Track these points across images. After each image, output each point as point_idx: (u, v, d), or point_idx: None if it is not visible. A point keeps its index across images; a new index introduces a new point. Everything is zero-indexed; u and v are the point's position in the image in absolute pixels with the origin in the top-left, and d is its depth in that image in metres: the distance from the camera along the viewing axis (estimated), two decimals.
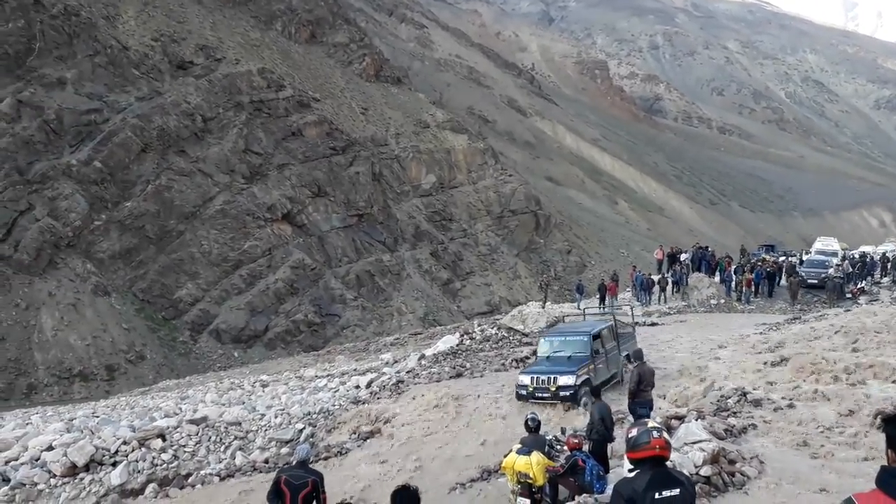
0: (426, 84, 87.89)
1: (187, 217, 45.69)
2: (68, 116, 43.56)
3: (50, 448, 14.97)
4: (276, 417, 16.39)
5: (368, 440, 13.67)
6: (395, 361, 23.16)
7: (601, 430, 10.05)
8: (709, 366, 15.70)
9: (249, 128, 51.65)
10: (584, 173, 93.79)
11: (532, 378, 14.67)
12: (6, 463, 14.83)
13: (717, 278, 30.65)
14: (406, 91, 74.06)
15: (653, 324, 24.33)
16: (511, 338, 22.43)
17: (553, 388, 14.30)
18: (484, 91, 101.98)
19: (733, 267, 30.13)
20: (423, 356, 21.05)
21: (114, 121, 45.16)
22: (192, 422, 15.71)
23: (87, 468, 14.40)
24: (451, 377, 17.17)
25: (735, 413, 11.11)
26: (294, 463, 8.30)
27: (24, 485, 13.47)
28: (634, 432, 4.31)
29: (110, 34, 49.59)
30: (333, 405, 17.27)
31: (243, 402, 19.09)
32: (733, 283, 29.24)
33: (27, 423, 20.37)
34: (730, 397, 12.62)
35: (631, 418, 12.26)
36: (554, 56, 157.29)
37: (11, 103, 41.49)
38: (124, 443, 14.98)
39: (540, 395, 14.45)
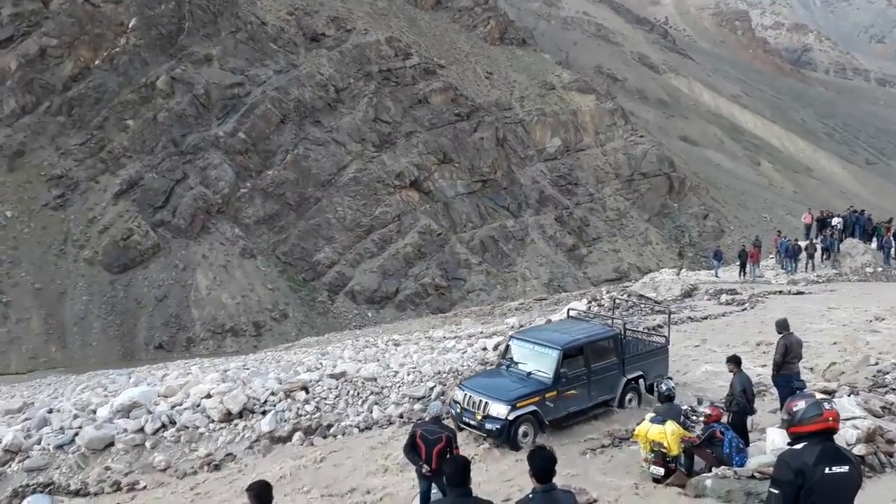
0: (552, 44, 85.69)
1: (323, 184, 47.91)
2: (215, 91, 46.76)
3: (208, 396, 16.34)
4: (408, 375, 17.01)
5: None
6: (521, 326, 23.26)
7: (742, 402, 9.58)
8: (864, 339, 14.42)
9: (378, 97, 52.96)
10: (723, 132, 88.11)
11: (465, 396, 11.41)
12: (172, 407, 16.41)
13: (873, 244, 27.95)
14: (531, 52, 72.63)
15: (799, 293, 22.72)
16: (642, 305, 21.78)
17: (479, 417, 10.94)
18: (613, 48, 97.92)
19: (893, 232, 27.33)
20: (549, 321, 20.96)
21: (255, 94, 47.95)
22: (332, 376, 16.63)
23: (240, 415, 15.61)
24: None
25: (894, 390, 10.21)
26: (428, 419, 8.62)
27: (188, 427, 14.82)
28: (802, 405, 4.09)
29: (250, 11, 52.38)
30: (462, 365, 17.61)
31: (378, 360, 19.94)
32: (892, 251, 26.56)
33: (188, 373, 22.37)
34: (888, 373, 11.58)
35: (774, 391, 11.59)
36: (689, 8, 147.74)
37: (166, 80, 45.14)
38: (272, 393, 16.13)
39: (467, 420, 11.26)
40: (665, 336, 14.22)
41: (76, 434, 14.09)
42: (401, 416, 13.65)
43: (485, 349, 19.10)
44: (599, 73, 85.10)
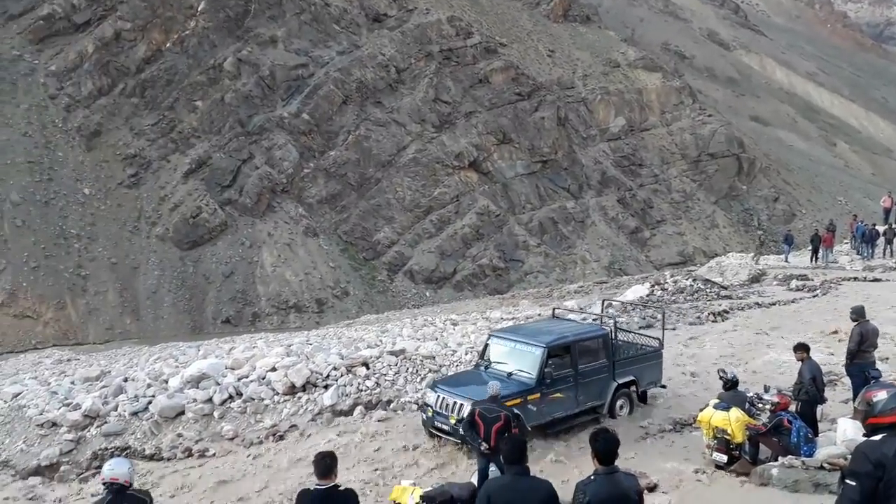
0: (617, 21, 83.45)
1: (383, 165, 48.35)
2: (280, 72, 47.63)
3: (273, 369, 16.85)
4: (466, 354, 17.12)
5: None
6: (580, 308, 23.02)
7: (811, 391, 9.27)
8: None
9: (439, 77, 52.87)
10: (797, 112, 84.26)
11: (438, 398, 10.70)
12: (239, 379, 16.99)
13: None
14: (595, 30, 70.93)
15: (875, 279, 21.69)
16: (708, 290, 21.22)
17: (453, 421, 10.18)
18: (681, 25, 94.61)
19: None
20: (609, 304, 20.68)
21: (318, 75, 48.62)
22: (391, 353, 16.91)
23: (303, 388, 16.05)
24: (640, 328, 16.72)
25: None
26: (487, 398, 8.68)
27: (254, 399, 15.33)
28: (882, 395, 3.94)
29: None
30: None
31: (436, 338, 20.11)
32: None
33: (254, 347, 23.09)
34: None
35: (846, 381, 11.15)
36: None
37: (233, 62, 46.25)
38: (334, 368, 16.51)
39: (439, 424, 10.58)
40: (658, 339, 12.97)
41: (149, 402, 14.79)
42: None
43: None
44: (666, 51, 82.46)
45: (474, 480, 8.57)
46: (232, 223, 42.29)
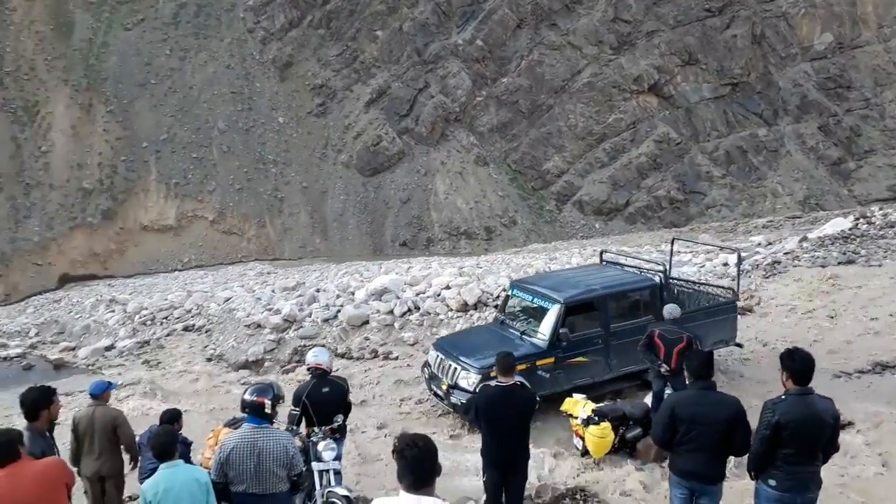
0: None
1: (556, 91, 47.13)
2: None
3: (447, 287, 17.64)
4: None
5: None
6: (769, 244, 21.33)
7: None
8: None
9: None
10: None
11: (437, 358, 9.63)
12: (417, 295, 18.00)
13: None
14: None
15: None
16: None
17: (445, 386, 9.14)
18: None
19: None
20: (805, 238, 18.97)
21: None
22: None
23: (475, 306, 16.69)
24: (839, 263, 15.21)
25: None
26: (666, 320, 8.46)
27: (430, 313, 16.21)
28: None
29: None
30: (699, 278, 16.84)
31: None
32: None
33: (429, 267, 24.24)
34: None
35: None
36: None
37: None
38: (503, 289, 16.92)
39: (434, 388, 9.58)
40: (732, 290, 10.94)
41: (338, 311, 16.25)
42: None
43: (726, 264, 17.97)
44: None
45: (648, 401, 8.51)
46: (409, 151, 43.88)
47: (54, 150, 36.59)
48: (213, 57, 43.92)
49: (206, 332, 17.47)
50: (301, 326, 16.02)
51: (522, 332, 9.50)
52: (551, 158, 45.70)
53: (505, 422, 5.86)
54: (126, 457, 7.25)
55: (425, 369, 10.08)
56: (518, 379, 6.10)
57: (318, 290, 19.69)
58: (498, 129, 46.24)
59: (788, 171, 47.06)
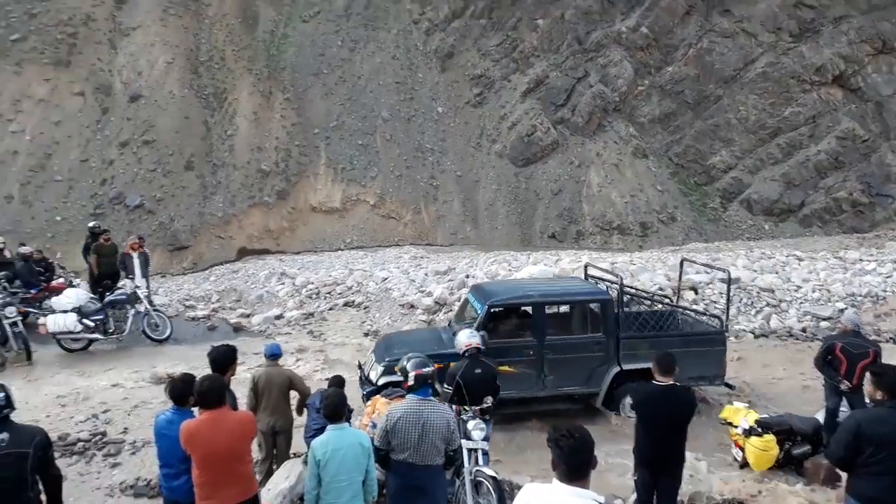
0: None
1: (726, 81, 44.27)
2: None
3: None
4: (813, 292, 15.48)
5: None
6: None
7: None
8: None
9: None
10: None
11: (371, 350, 9.99)
12: None
13: None
14: None
15: None
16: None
17: (361, 376, 9.51)
18: None
19: None
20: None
21: None
22: (723, 281, 16.07)
23: (626, 305, 16.24)
24: None
25: None
26: (848, 329, 7.76)
27: None
28: None
29: None
30: (884, 290, 15.26)
31: (776, 272, 18.47)
32: None
33: (578, 261, 23.89)
34: None
35: None
36: None
37: None
38: (660, 289, 16.33)
39: (360, 377, 9.71)
40: (719, 318, 9.47)
41: None
42: (803, 331, 12.61)
43: None
44: None
45: (820, 417, 7.87)
46: (563, 142, 43.31)
47: (238, 133, 40.17)
48: (380, 48, 45.92)
49: (365, 308, 18.46)
50: (451, 310, 16.46)
51: (454, 334, 9.13)
52: (718, 152, 43.08)
53: (662, 422, 5.72)
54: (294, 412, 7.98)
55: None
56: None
57: (467, 276, 20.13)
58: (660, 120, 44.32)
59: None
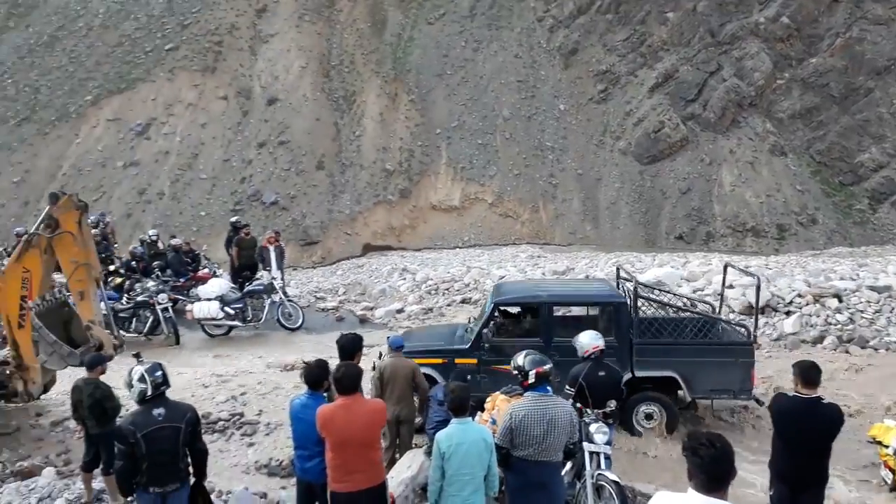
0: None
1: (879, 72, 40.53)
2: None
3: (730, 286, 16.51)
4: None
5: None
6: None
7: None
8: None
9: None
10: None
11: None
12: (693, 291, 17.14)
13: None
14: None
15: None
16: None
17: None
18: None
19: None
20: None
21: None
22: (872, 288, 14.81)
23: (762, 311, 15.39)
24: None
25: None
26: None
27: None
28: None
29: None
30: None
31: None
32: None
33: (708, 263, 22.89)
34: None
35: None
36: None
37: None
38: (799, 295, 15.32)
39: None
40: (746, 327, 8.75)
41: None
42: None
43: None
44: None
45: None
46: (693, 139, 41.43)
47: (365, 134, 41.74)
48: (503, 47, 46.00)
49: (481, 305, 18.58)
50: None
51: (466, 330, 9.34)
52: (867, 150, 39.52)
53: (803, 437, 5.38)
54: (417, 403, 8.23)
55: None
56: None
57: (586, 277, 19.80)
58: (801, 115, 41.31)
59: None
